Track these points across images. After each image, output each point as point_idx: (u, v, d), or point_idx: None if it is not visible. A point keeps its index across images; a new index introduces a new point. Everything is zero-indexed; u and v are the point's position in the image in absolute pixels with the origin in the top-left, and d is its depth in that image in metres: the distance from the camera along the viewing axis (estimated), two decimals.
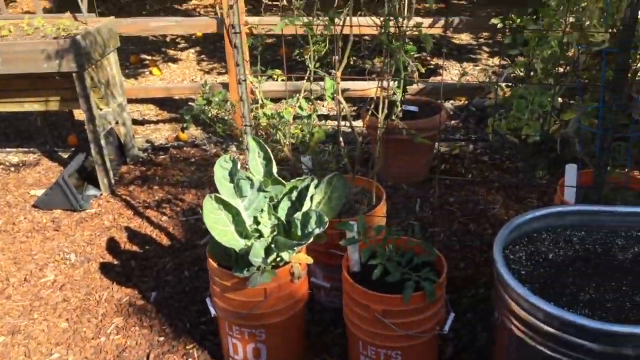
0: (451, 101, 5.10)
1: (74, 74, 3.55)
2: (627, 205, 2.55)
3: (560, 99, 2.25)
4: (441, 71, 5.86)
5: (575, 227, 2.31)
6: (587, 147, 2.62)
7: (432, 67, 6.01)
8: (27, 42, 3.52)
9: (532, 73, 2.36)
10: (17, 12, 8.68)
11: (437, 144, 4.36)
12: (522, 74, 2.49)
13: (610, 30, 2.11)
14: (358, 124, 4.67)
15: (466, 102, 5.04)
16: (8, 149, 4.63)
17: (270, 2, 2.50)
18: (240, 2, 3.67)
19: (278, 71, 2.70)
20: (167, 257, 3.25)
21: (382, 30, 2.18)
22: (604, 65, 2.23)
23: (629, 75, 2.41)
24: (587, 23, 2.12)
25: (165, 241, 3.39)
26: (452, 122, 4.79)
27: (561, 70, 2.33)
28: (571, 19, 2.22)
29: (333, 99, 2.42)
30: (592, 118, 2.54)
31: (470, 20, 4.23)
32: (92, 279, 3.12)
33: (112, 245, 3.38)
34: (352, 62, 5.65)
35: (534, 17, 2.77)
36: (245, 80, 2.36)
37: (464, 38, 6.82)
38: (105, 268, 3.19)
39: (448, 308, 2.33)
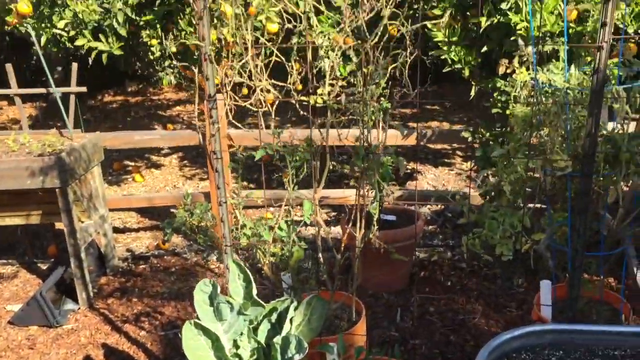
0: (428, 206, 5.22)
1: (57, 190, 3.61)
2: (603, 322, 2.60)
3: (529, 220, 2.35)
4: (417, 175, 6.03)
5: (553, 346, 2.33)
6: (560, 260, 2.70)
7: (408, 171, 6.19)
8: (12, 160, 3.60)
9: (501, 193, 2.47)
10: (2, 120, 8.86)
11: (415, 251, 4.42)
12: (492, 193, 2.61)
13: (571, 156, 2.24)
14: (338, 229, 4.75)
15: (442, 207, 5.16)
16: None
17: (250, 130, 2.64)
18: (223, 125, 3.82)
19: (258, 193, 2.79)
20: None
21: (355, 152, 2.30)
22: (569, 187, 2.34)
23: (594, 195, 2.52)
24: (549, 149, 2.26)
25: (142, 358, 3.32)
26: (430, 227, 4.89)
27: (529, 190, 2.45)
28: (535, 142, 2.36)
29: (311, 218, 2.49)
30: (563, 232, 2.63)
31: (442, 132, 4.42)
32: None
33: None
34: (331, 167, 5.81)
35: (501, 139, 2.93)
36: (225, 202, 2.43)
37: (439, 145, 7.07)
38: None
39: None
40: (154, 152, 7.32)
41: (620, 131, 2.33)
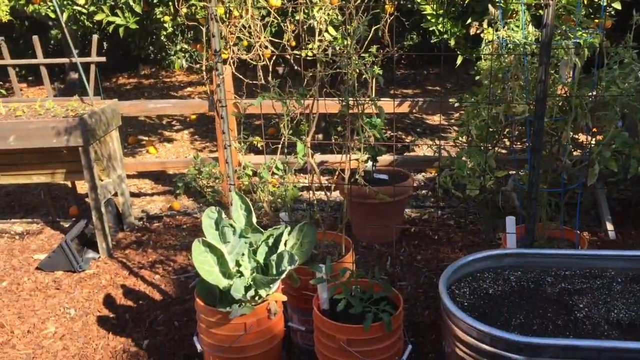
0: (423, 173, 5.57)
1: (80, 148, 3.99)
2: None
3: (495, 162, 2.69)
4: (414, 147, 6.38)
5: (512, 268, 2.69)
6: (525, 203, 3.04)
7: (406, 144, 6.54)
8: (39, 120, 3.98)
9: (470, 139, 2.82)
10: None
11: (408, 210, 4.78)
12: (463, 139, 2.95)
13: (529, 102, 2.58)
14: (337, 193, 5.11)
15: (436, 173, 5.51)
16: (13, 220, 5.00)
17: (251, 83, 2.92)
18: (227, 80, 4.18)
19: (257, 138, 3.16)
20: (158, 310, 3.56)
21: (342, 103, 2.65)
22: (528, 130, 2.69)
23: (554, 141, 2.86)
24: (510, 98, 2.60)
25: (157, 297, 3.71)
26: (423, 191, 5.24)
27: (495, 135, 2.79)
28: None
29: (305, 162, 2.85)
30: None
31: (433, 101, 4.76)
32: (89, 330, 3.42)
33: (109, 301, 3.70)
34: (333, 139, 6.17)
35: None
36: (230, 145, 2.80)
37: (436, 119, 7.41)
38: (102, 320, 3.50)
39: (406, 340, 2.66)
40: (166, 127, 7.71)
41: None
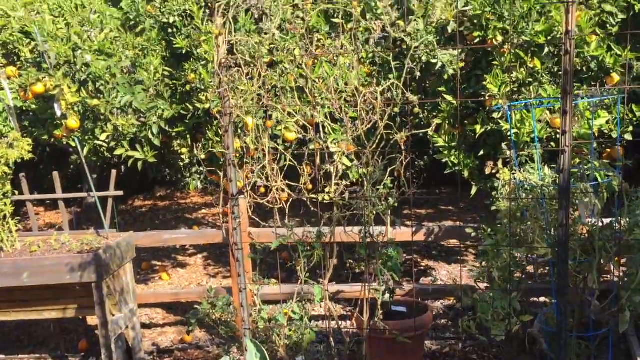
0: (441, 301, 5.42)
1: (93, 284, 3.94)
2: None
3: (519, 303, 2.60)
4: (431, 272, 6.26)
5: None
6: (554, 343, 2.90)
7: (422, 268, 6.43)
8: (53, 257, 3.97)
9: (492, 279, 2.74)
10: (39, 224, 9.37)
11: (429, 342, 4.60)
12: (484, 281, 2.88)
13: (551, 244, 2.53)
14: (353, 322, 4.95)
15: (454, 301, 5.36)
16: (21, 355, 4.86)
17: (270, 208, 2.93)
18: (243, 223, 4.19)
19: (274, 280, 3.10)
20: None
21: (360, 242, 2.62)
22: (551, 273, 2.61)
23: (580, 282, 2.78)
24: (531, 239, 2.56)
25: None
26: (442, 321, 5.06)
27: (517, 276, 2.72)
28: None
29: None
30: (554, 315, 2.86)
31: (448, 229, 4.72)
32: None
33: None
34: (347, 265, 6.09)
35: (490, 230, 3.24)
36: (245, 288, 2.74)
37: (452, 242, 7.34)
38: None
39: None
40: (179, 252, 7.69)
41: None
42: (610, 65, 3.92)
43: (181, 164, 5.63)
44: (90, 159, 5.50)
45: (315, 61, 3.94)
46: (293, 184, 2.74)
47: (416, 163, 9.98)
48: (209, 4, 5.35)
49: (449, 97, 4.27)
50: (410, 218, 7.70)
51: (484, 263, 2.99)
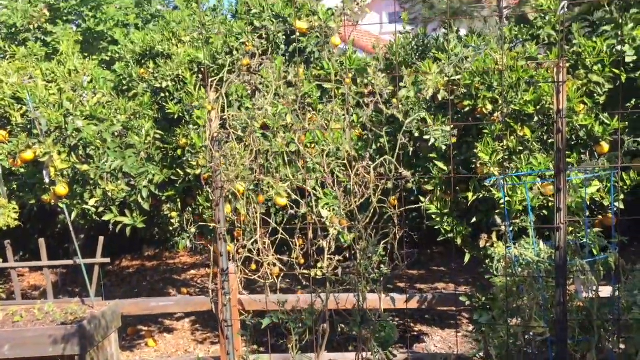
0: None
1: (76, 357, 3.80)
2: None
3: None
4: (424, 337, 6.13)
5: None
6: None
7: (415, 333, 6.30)
8: (36, 329, 3.84)
9: (489, 356, 2.67)
10: (23, 287, 9.17)
11: None
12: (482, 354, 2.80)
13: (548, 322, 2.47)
14: None
15: None
16: None
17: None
18: (233, 299, 4.10)
19: (265, 357, 3.00)
20: None
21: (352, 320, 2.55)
22: (549, 353, 2.54)
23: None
24: (528, 316, 2.50)
25: None
26: None
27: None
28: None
29: None
30: None
31: (442, 297, 4.64)
32: None
33: None
34: (340, 330, 5.96)
35: (487, 307, 3.18)
36: None
37: (446, 307, 7.22)
38: None
39: None
40: (167, 316, 7.50)
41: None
42: (599, 134, 3.96)
43: (170, 228, 5.55)
44: (78, 222, 5.43)
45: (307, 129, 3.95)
46: (285, 258, 2.69)
47: (411, 234, 9.96)
48: (202, 70, 5.41)
49: (440, 164, 4.28)
50: (402, 279, 7.60)
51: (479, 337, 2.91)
